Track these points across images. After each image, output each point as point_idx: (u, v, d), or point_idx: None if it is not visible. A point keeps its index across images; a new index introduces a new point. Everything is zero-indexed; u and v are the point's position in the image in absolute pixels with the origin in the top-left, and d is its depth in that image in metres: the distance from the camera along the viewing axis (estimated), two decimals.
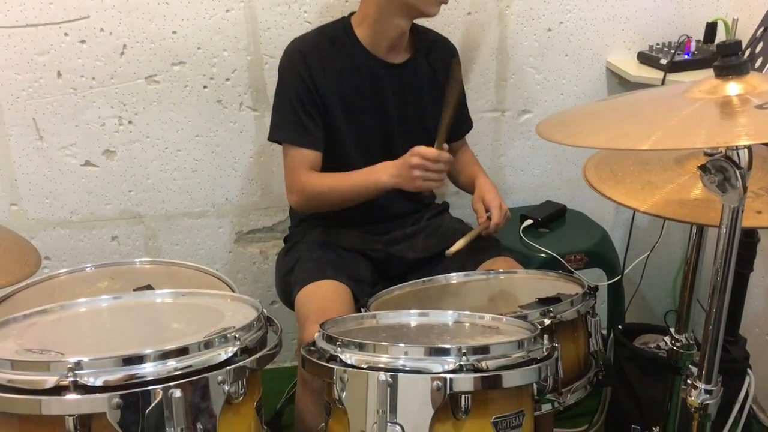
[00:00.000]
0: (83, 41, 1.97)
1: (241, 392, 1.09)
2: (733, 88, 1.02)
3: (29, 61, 1.96)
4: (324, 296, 1.68)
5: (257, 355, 1.12)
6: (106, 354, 1.02)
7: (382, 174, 1.70)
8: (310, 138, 1.77)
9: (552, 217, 2.19)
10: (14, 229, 1.68)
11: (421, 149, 1.64)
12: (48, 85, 1.99)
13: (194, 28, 2.00)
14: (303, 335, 1.61)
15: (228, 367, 1.06)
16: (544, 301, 1.47)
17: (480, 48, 2.17)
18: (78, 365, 0.99)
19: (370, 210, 1.86)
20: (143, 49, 2.00)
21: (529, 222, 2.14)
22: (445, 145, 1.66)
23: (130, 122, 2.07)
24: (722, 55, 1.02)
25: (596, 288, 1.55)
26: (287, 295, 1.83)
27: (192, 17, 1.99)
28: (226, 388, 1.06)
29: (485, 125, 2.25)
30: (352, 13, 1.83)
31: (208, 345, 1.07)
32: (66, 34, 1.95)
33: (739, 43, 1.01)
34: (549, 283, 1.62)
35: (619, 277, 2.13)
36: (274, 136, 1.83)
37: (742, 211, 1.06)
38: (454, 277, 1.69)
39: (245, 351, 1.11)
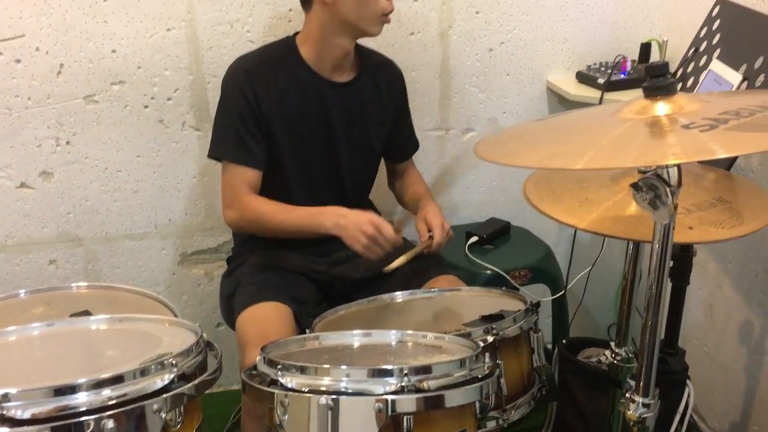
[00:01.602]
0: (18, 60, 1.92)
1: (179, 420, 1.07)
2: (661, 108, 1.05)
3: None
4: (264, 318, 1.66)
5: (195, 381, 1.10)
6: (36, 385, 0.99)
7: (326, 219, 1.67)
8: (251, 156, 1.76)
9: (496, 233, 2.21)
10: None
11: (381, 224, 1.63)
12: None
13: (134, 47, 1.98)
14: (243, 360, 1.59)
15: (164, 395, 1.04)
16: (488, 318, 1.48)
17: (423, 68, 2.19)
18: (5, 397, 0.96)
19: None
20: (81, 69, 1.96)
21: (474, 239, 2.16)
22: (402, 231, 1.70)
23: (68, 143, 2.02)
24: (650, 77, 1.05)
25: (538, 304, 1.56)
26: (230, 318, 1.80)
27: (132, 36, 1.96)
28: (163, 416, 1.04)
29: (430, 144, 2.27)
30: (297, 33, 1.83)
31: (144, 372, 1.05)
32: (0, 53, 1.90)
33: (666, 64, 1.04)
34: (492, 300, 1.63)
35: (563, 291, 2.16)
36: (215, 153, 1.81)
37: (674, 228, 1.09)
38: (399, 296, 1.69)
39: (183, 377, 1.09)
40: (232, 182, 1.77)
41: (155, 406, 1.02)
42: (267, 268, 1.83)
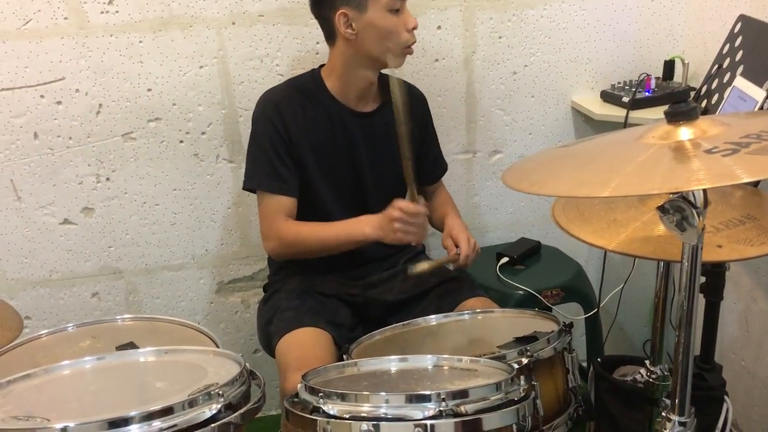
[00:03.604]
0: (59, 102, 2.00)
1: None
2: (684, 133, 1.07)
3: (6, 124, 1.99)
4: (303, 344, 1.70)
5: (241, 411, 1.14)
6: (92, 418, 1.04)
7: (365, 226, 1.74)
8: (285, 185, 1.81)
9: (527, 253, 2.23)
10: None
11: (401, 203, 1.69)
12: (25, 147, 2.02)
13: (169, 85, 2.05)
14: (285, 384, 1.63)
15: (213, 425, 1.08)
16: (521, 340, 1.50)
17: (448, 93, 2.23)
18: (64, 431, 1.00)
19: (348, 255, 1.89)
20: (119, 108, 2.04)
21: (505, 260, 2.18)
22: (420, 198, 1.72)
23: (107, 179, 2.10)
24: (672, 102, 1.08)
25: (571, 324, 1.58)
26: (269, 344, 1.84)
27: (166, 75, 2.04)
28: None
29: (457, 167, 2.30)
30: (322, 65, 1.89)
31: (192, 404, 1.09)
32: (42, 96, 1.99)
33: (688, 91, 1.07)
34: (525, 321, 1.65)
35: (596, 310, 2.17)
36: (249, 185, 1.87)
37: (701, 248, 1.10)
38: (433, 319, 1.72)
39: (229, 407, 1.12)
40: (268, 212, 1.82)
41: None
42: (303, 293, 1.87)
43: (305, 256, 1.86)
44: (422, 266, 1.79)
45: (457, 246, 1.84)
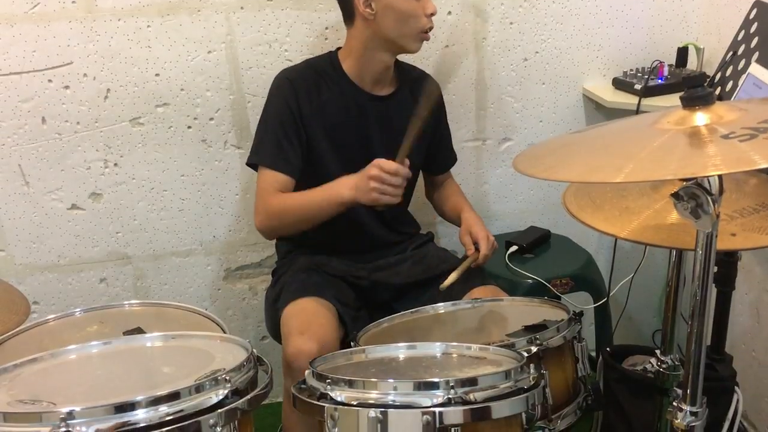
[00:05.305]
0: (67, 87, 1.99)
1: None
2: (700, 118, 1.05)
3: (13, 108, 1.98)
4: (308, 311, 1.71)
5: (248, 397, 1.12)
6: (98, 402, 1.03)
7: (341, 188, 1.71)
8: (286, 163, 1.80)
9: (537, 242, 2.21)
10: (1, 275, 1.68)
11: (381, 161, 1.65)
12: (33, 131, 2.01)
13: (177, 70, 2.04)
14: (287, 349, 1.62)
15: (219, 410, 1.07)
16: (531, 329, 1.49)
17: (459, 79, 2.21)
18: (70, 415, 1.00)
19: (356, 239, 1.90)
20: (127, 93, 2.03)
21: (514, 248, 2.17)
22: (407, 160, 1.67)
23: (115, 164, 2.09)
24: (688, 87, 1.06)
25: (581, 313, 1.57)
26: (276, 326, 1.83)
27: (174, 60, 2.03)
28: (218, 430, 1.06)
29: (467, 154, 2.28)
30: (339, 48, 1.88)
31: (199, 389, 1.08)
32: (50, 81, 1.98)
33: (704, 75, 1.05)
34: (534, 310, 1.64)
35: (605, 299, 2.15)
36: (253, 159, 1.85)
37: (716, 236, 1.09)
38: (442, 307, 1.71)
39: (236, 393, 1.12)
40: (264, 186, 1.80)
41: (211, 422, 1.05)
42: (309, 269, 1.87)
43: (291, 228, 1.83)
44: (451, 278, 1.77)
45: (475, 243, 1.83)
